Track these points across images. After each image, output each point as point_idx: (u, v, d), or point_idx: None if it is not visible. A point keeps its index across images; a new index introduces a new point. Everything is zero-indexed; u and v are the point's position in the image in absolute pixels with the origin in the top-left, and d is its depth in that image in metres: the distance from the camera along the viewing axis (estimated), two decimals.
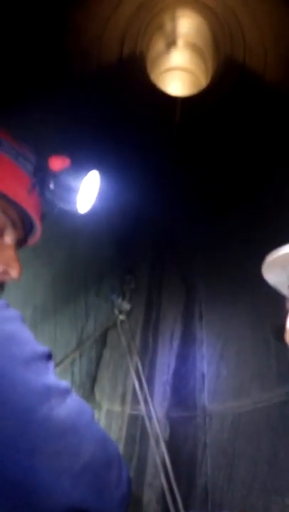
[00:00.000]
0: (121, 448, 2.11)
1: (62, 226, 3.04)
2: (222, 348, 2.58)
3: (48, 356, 0.86)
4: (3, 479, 0.69)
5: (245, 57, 5.43)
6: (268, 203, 3.66)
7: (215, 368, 2.49)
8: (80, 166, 1.30)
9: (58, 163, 1.23)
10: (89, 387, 2.44)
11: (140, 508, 1.93)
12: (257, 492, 1.91)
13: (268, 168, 4.21)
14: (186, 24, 6.11)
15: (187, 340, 2.69)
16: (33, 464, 0.70)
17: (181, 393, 2.40)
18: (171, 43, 6.31)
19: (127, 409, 2.24)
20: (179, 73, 6.82)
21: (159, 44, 6.21)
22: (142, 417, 2.07)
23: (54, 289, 2.74)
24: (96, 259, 3.02)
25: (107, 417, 2.27)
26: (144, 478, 2.01)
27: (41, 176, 1.17)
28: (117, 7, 5.01)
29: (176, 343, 2.67)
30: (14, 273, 1.13)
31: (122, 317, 2.76)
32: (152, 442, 1.94)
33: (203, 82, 6.39)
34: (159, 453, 2.04)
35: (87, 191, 1.31)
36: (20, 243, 1.20)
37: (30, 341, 0.84)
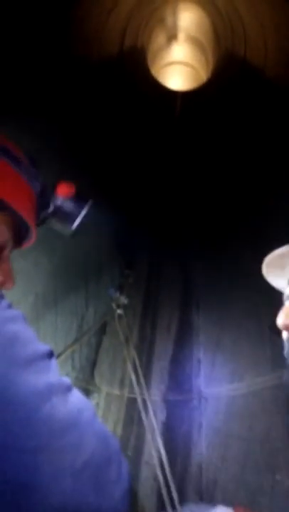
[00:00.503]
0: (120, 429, 2.23)
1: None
2: (218, 336, 2.71)
3: (50, 355, 0.90)
4: (7, 479, 0.70)
5: (246, 51, 5.49)
6: (269, 196, 3.76)
7: (211, 355, 2.62)
8: (83, 196, 1.35)
9: (64, 190, 1.28)
10: (89, 371, 2.57)
11: (138, 485, 2.06)
12: (250, 470, 2.04)
13: (268, 160, 4.29)
14: (187, 18, 6.17)
15: (184, 329, 2.81)
16: (36, 462, 0.72)
17: (178, 378, 2.52)
18: (172, 37, 6.38)
19: (126, 393, 2.36)
20: (179, 67, 6.89)
21: (160, 37, 6.28)
22: (140, 400, 2.19)
23: (54, 277, 2.86)
24: (96, 249, 3.14)
25: (106, 400, 2.40)
26: (141, 457, 2.14)
27: (45, 199, 1.23)
28: (119, 0, 5.08)
29: (173, 331, 2.79)
30: (10, 285, 1.20)
31: (119, 311, 2.82)
32: (148, 423, 2.05)
33: (203, 76, 6.46)
34: (155, 434, 2.15)
35: (81, 218, 1.38)
36: (13, 247, 1.25)
37: (32, 341, 0.88)
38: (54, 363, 0.91)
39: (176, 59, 6.72)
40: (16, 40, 3.79)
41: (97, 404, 2.39)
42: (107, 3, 4.99)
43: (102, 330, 2.74)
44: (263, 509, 1.89)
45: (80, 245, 3.15)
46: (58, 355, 2.53)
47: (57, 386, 0.84)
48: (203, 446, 2.16)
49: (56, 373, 0.88)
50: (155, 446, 2.03)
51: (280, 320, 1.26)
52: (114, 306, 2.82)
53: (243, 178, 4.20)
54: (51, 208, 1.26)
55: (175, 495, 1.82)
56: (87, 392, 2.46)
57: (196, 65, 6.64)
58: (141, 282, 3.11)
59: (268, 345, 2.51)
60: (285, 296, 1.35)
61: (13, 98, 3.57)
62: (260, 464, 2.04)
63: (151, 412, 2.21)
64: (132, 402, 2.32)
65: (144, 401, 2.24)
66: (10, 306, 0.94)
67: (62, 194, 1.28)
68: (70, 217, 1.26)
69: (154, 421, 2.15)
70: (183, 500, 1.97)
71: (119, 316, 2.78)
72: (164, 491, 1.84)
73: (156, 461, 1.99)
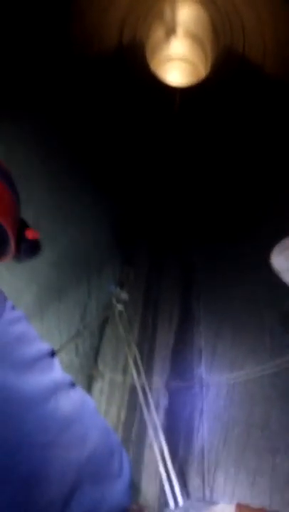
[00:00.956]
0: (123, 413, 2.32)
1: (67, 210, 3.24)
2: (218, 326, 2.81)
3: (52, 353, 0.94)
4: (17, 473, 0.72)
5: (245, 47, 5.57)
6: (267, 189, 3.85)
7: (211, 344, 2.72)
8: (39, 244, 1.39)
9: (31, 234, 1.31)
10: (92, 358, 2.65)
11: (142, 468, 2.15)
12: (250, 452, 2.14)
13: (266, 155, 4.38)
14: (186, 13, 6.23)
15: (185, 320, 2.91)
16: (45, 457, 0.75)
17: (180, 366, 2.62)
18: (170, 32, 6.44)
19: (129, 379, 2.45)
20: (178, 63, 6.95)
21: (158, 32, 6.34)
22: (143, 387, 2.28)
23: (57, 268, 2.94)
24: (98, 242, 3.22)
25: (110, 386, 2.49)
26: (144, 441, 2.23)
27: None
28: None
29: (174, 323, 2.88)
30: None
31: (120, 307, 2.89)
32: (145, 409, 2.15)
33: (202, 72, 6.54)
34: (154, 419, 2.24)
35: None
36: None
37: (36, 341, 0.92)
38: (56, 360, 0.94)
39: (175, 54, 6.78)
40: (15, 34, 3.85)
41: (101, 389, 2.48)
42: None
43: (104, 319, 2.83)
44: (263, 490, 1.99)
45: (83, 238, 3.24)
46: (61, 349, 2.60)
47: (61, 383, 0.88)
48: (204, 431, 2.26)
49: (59, 370, 0.91)
50: (155, 432, 2.12)
51: None
52: (114, 301, 2.86)
53: (242, 172, 4.29)
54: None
55: (174, 478, 1.91)
56: (91, 378, 2.55)
57: (194, 60, 6.71)
58: (142, 275, 3.21)
59: (267, 335, 2.61)
60: None
61: (12, 93, 3.63)
62: (260, 447, 2.14)
63: (150, 399, 2.30)
64: (134, 388, 2.42)
65: (144, 388, 2.33)
66: (14, 307, 0.97)
67: (29, 237, 1.32)
68: (24, 257, 1.31)
69: (152, 408, 2.24)
70: (186, 480, 2.07)
71: (120, 312, 2.83)
72: (164, 477, 1.92)
73: (156, 448, 2.08)
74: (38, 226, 3.02)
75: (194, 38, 6.46)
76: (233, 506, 1.59)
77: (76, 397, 0.89)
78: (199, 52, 6.55)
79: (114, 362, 2.62)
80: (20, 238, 1.22)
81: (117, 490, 0.83)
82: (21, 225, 1.23)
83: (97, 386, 2.51)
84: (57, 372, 0.90)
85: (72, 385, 0.91)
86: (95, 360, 2.68)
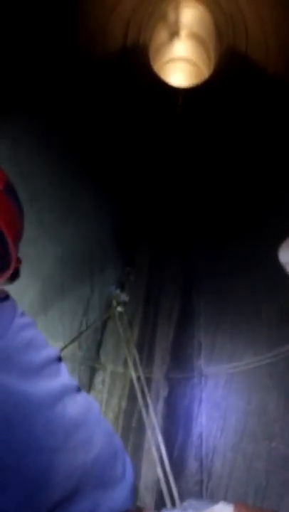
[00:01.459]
0: (124, 403, 2.44)
1: (70, 208, 3.36)
2: (218, 319, 2.93)
3: (59, 358, 0.97)
4: (24, 477, 0.74)
5: (248, 48, 5.64)
6: (268, 187, 3.95)
7: (211, 337, 2.83)
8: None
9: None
10: (94, 351, 2.77)
11: (142, 452, 2.26)
12: (247, 438, 2.25)
13: (269, 155, 4.47)
14: (189, 14, 6.31)
15: (185, 313, 3.02)
16: (53, 461, 0.77)
17: (180, 358, 2.73)
18: (174, 33, 6.53)
19: (129, 371, 2.57)
20: (181, 64, 7.03)
21: (162, 34, 6.44)
22: (143, 378, 2.39)
23: (61, 264, 3.06)
24: (101, 238, 3.34)
25: (111, 377, 2.60)
26: (144, 429, 2.34)
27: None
28: None
29: (174, 316, 2.99)
30: None
31: (120, 309, 2.94)
32: (141, 401, 2.26)
33: (205, 73, 6.63)
34: (150, 410, 2.35)
35: None
36: None
37: (45, 346, 0.95)
38: (63, 365, 0.97)
39: (178, 55, 6.88)
40: (20, 34, 3.96)
41: (103, 381, 2.60)
42: None
43: (108, 309, 2.94)
44: (259, 473, 2.10)
45: (86, 235, 3.36)
46: (65, 347, 2.70)
47: (68, 387, 0.91)
48: (203, 419, 2.37)
49: (66, 375, 0.94)
50: (151, 423, 2.22)
51: None
52: (114, 303, 2.92)
53: (243, 171, 4.38)
54: None
55: (166, 463, 2.02)
56: (93, 370, 2.67)
57: (198, 61, 6.81)
58: (143, 271, 3.32)
59: (265, 327, 2.72)
60: None
61: (15, 95, 3.75)
62: (257, 433, 2.25)
63: (146, 389, 2.41)
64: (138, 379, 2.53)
65: (145, 379, 2.44)
66: (23, 313, 1.01)
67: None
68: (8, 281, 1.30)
69: (148, 398, 2.35)
70: (184, 464, 2.18)
71: (120, 313, 2.89)
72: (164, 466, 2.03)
73: (154, 437, 2.18)
74: (42, 222, 3.16)
75: (197, 39, 6.56)
76: (232, 506, 1.67)
77: (82, 401, 0.91)
78: (202, 53, 6.64)
79: (115, 355, 2.74)
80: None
81: (119, 493, 0.85)
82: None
83: (99, 377, 2.63)
84: (64, 376, 0.93)
85: (78, 389, 0.94)
86: (97, 353, 2.79)
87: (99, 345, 2.83)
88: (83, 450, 0.81)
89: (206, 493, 2.11)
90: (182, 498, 2.00)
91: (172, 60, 6.89)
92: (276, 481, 2.04)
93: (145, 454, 2.27)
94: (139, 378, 2.45)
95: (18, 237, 1.15)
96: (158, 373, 2.62)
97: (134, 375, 2.51)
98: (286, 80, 5.12)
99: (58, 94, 4.35)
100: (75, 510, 0.77)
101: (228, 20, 5.89)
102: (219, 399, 2.42)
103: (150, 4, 5.86)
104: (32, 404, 0.79)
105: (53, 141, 3.89)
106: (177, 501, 1.99)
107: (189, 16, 6.39)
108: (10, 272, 1.15)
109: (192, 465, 2.21)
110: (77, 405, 0.88)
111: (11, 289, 1.19)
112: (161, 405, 2.35)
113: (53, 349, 0.96)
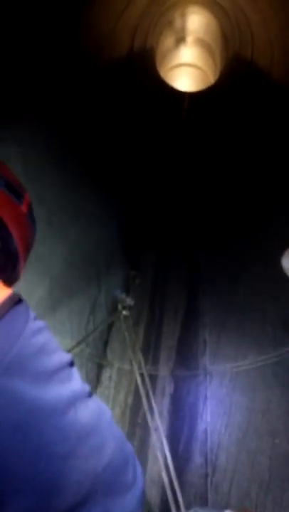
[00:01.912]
0: (130, 400, 2.50)
1: (77, 210, 3.45)
2: (223, 319, 2.99)
3: (71, 363, 0.96)
4: (36, 484, 0.73)
5: (253, 54, 5.74)
6: (271, 191, 4.02)
7: (216, 336, 2.90)
8: None
9: None
10: (101, 349, 2.84)
11: (148, 448, 2.32)
12: (251, 434, 2.31)
13: (274, 161, 4.55)
14: (196, 20, 6.42)
15: (191, 312, 3.09)
16: (64, 468, 0.76)
17: (185, 356, 2.80)
18: (180, 39, 6.63)
19: (136, 368, 2.63)
20: (187, 69, 7.13)
21: (168, 40, 6.55)
22: (148, 380, 2.46)
23: (69, 263, 3.14)
24: (108, 239, 3.42)
25: (118, 374, 2.67)
26: (150, 425, 2.41)
27: None
28: (130, 2, 5.34)
29: (180, 315, 3.06)
30: None
31: (125, 313, 2.97)
32: (144, 395, 2.32)
33: (211, 79, 6.73)
34: (153, 406, 2.42)
35: None
36: None
37: (57, 351, 0.94)
38: (75, 369, 0.96)
39: (185, 61, 6.97)
40: (28, 40, 4.06)
41: (110, 377, 2.67)
42: (117, 5, 5.24)
43: (114, 312, 3.01)
44: (262, 468, 2.16)
45: (93, 235, 3.44)
46: (73, 348, 2.76)
47: (79, 392, 0.90)
48: (208, 415, 2.43)
49: (78, 380, 0.93)
50: (156, 419, 2.28)
51: None
52: (120, 307, 2.95)
53: (248, 175, 4.45)
54: None
55: (169, 456, 2.08)
56: (100, 367, 2.74)
57: (204, 67, 6.91)
58: (149, 271, 3.39)
59: (270, 326, 2.78)
60: None
61: (24, 100, 3.83)
62: (260, 430, 2.31)
63: (148, 385, 2.47)
64: (141, 376, 2.59)
65: (152, 377, 2.51)
66: (36, 317, 0.99)
67: None
68: None
69: (150, 394, 2.42)
70: (189, 459, 2.24)
71: (125, 317, 2.93)
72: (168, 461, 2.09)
73: (159, 435, 2.24)
74: (51, 222, 3.24)
75: (204, 44, 6.65)
76: None
77: (93, 406, 0.90)
78: (208, 59, 6.74)
79: (122, 352, 2.80)
80: None
81: (130, 500, 0.84)
82: None
83: (106, 374, 2.70)
84: (76, 382, 0.92)
85: (90, 394, 0.93)
86: (104, 351, 2.86)
87: (106, 343, 2.90)
88: (95, 456, 0.81)
89: (210, 486, 2.17)
90: (186, 491, 2.06)
91: (178, 65, 6.99)
92: (279, 476, 2.09)
93: (151, 448, 2.33)
94: (143, 379, 2.51)
95: (27, 257, 1.11)
96: (164, 371, 2.68)
97: (138, 378, 2.57)
98: None
99: (67, 99, 4.44)
100: None
101: (234, 26, 5.99)
102: (224, 396, 2.48)
103: (157, 11, 5.97)
104: (44, 410, 0.79)
105: (60, 147, 3.98)
106: (180, 497, 2.05)
107: (196, 22, 6.49)
108: (18, 275, 1.10)
109: (197, 459, 2.27)
110: (88, 411, 0.87)
111: (21, 286, 1.22)
112: (167, 401, 2.41)
113: (64, 354, 0.95)
